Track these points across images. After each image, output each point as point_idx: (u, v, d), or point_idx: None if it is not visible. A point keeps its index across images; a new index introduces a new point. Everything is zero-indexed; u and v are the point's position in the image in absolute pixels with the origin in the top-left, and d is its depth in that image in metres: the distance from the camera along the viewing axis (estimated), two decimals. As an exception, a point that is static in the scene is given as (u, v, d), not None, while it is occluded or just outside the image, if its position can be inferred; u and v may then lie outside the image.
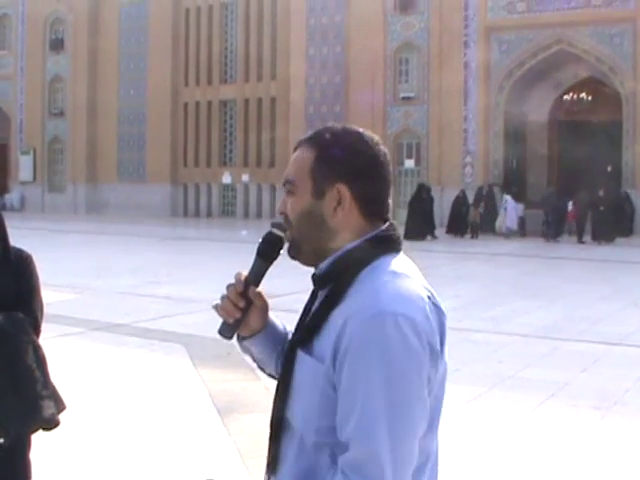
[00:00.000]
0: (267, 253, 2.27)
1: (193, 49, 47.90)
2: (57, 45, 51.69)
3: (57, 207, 50.66)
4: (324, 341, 2.07)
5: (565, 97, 40.73)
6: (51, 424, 4.14)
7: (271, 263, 2.28)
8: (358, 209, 2.16)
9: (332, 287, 2.13)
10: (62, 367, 9.49)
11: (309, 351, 2.11)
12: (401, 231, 2.29)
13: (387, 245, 2.18)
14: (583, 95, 40.17)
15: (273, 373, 2.43)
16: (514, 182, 38.55)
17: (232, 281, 2.26)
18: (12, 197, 52.85)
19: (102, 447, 7.05)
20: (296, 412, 2.14)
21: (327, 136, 2.17)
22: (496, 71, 37.72)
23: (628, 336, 12.52)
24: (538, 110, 40.83)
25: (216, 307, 2.27)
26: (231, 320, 2.27)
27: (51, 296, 14.81)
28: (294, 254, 2.22)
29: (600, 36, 35.74)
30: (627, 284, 19.24)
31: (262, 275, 2.29)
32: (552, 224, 32.41)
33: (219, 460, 6.59)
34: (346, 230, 2.16)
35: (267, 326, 2.36)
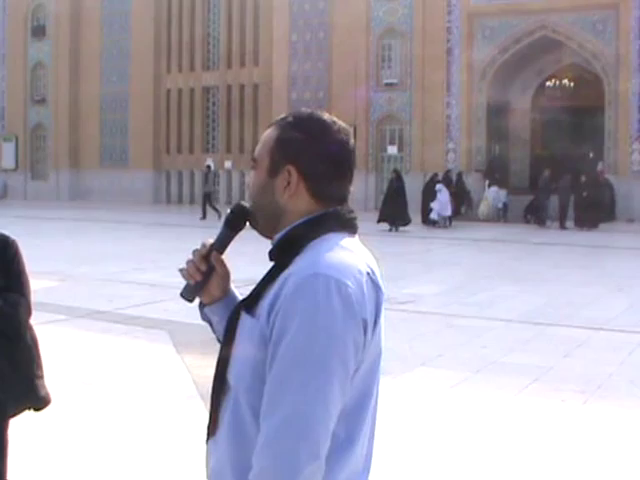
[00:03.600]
0: (233, 223, 2.39)
1: (175, 35, 47.73)
2: (39, 32, 51.42)
3: (40, 194, 50.45)
4: (265, 302, 2.17)
5: (548, 83, 40.77)
6: (43, 403, 4.14)
7: (236, 233, 2.41)
8: (307, 191, 2.25)
9: (277, 258, 2.26)
10: (45, 355, 9.46)
11: (251, 313, 2.21)
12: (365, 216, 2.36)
13: (338, 223, 2.26)
14: (566, 81, 40.21)
15: None
16: (497, 168, 38.59)
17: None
18: (-6, 184, 52.67)
19: (85, 434, 7.03)
20: (234, 370, 2.23)
21: (290, 119, 2.29)
22: (479, 57, 37.71)
23: (611, 320, 12.57)
24: (521, 96, 40.85)
25: (181, 270, 2.39)
26: (192, 282, 2.38)
27: (34, 283, 14.72)
28: (253, 224, 2.36)
29: (583, 22, 35.77)
30: (610, 269, 19.31)
31: (227, 244, 2.42)
32: (544, 209, 32.17)
33: (203, 446, 6.58)
34: (295, 209, 2.26)
35: (228, 296, 2.46)
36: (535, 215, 32.77)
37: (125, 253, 21.52)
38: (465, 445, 6.86)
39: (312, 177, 2.24)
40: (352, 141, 2.31)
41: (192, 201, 46.85)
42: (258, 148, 2.32)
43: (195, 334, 10.53)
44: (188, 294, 2.42)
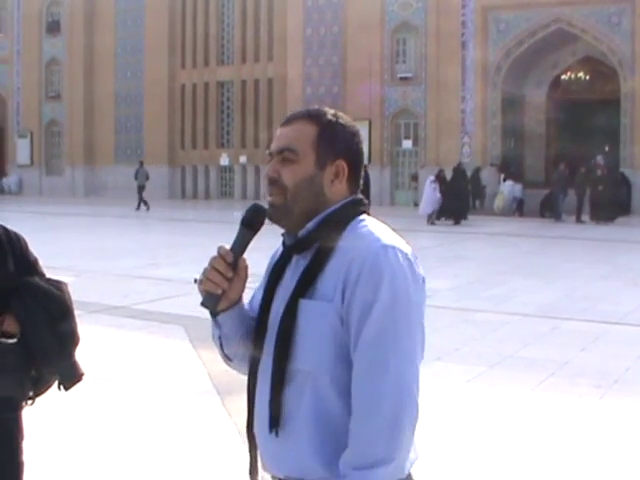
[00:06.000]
0: (253, 223, 2.41)
1: (190, 31, 47.74)
2: (53, 28, 51.53)
3: (55, 190, 50.60)
4: (327, 284, 2.31)
5: (563, 77, 40.64)
6: (77, 379, 4.19)
7: (255, 233, 2.42)
8: (348, 182, 2.47)
9: (322, 242, 2.36)
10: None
11: (312, 297, 2.33)
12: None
13: (363, 207, 2.49)
14: (581, 74, 40.08)
15: (231, 354, 2.60)
16: (512, 162, 38.53)
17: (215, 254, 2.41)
18: (10, 181, 52.79)
19: (102, 428, 7.04)
20: (307, 356, 2.33)
21: (328, 117, 2.47)
22: (494, 51, 37.60)
23: (628, 315, 12.52)
24: (536, 90, 40.75)
25: (200, 281, 2.41)
26: (219, 291, 2.38)
27: (50, 279, 14.77)
28: (279, 218, 2.43)
29: (598, 15, 35.62)
30: (626, 263, 19.25)
31: (246, 246, 2.41)
32: (560, 203, 31.95)
33: (219, 441, 6.59)
34: (336, 198, 2.45)
35: (241, 300, 2.51)
36: (551, 210, 32.60)
37: (140, 248, 21.55)
38: (481, 440, 6.84)
39: (354, 170, 2.48)
40: None
41: (207, 196, 46.93)
42: (292, 140, 2.42)
43: (210, 329, 10.53)
44: (212, 303, 2.40)
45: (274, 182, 2.41)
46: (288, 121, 2.48)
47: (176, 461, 6.30)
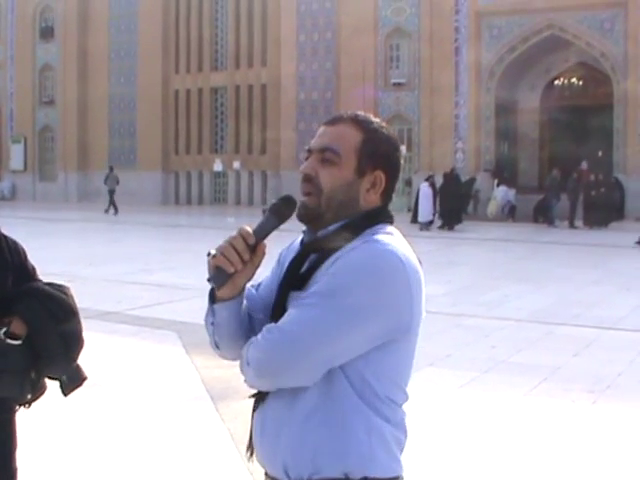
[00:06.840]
0: (281, 212, 2.38)
1: (183, 36, 47.76)
2: (47, 33, 51.53)
3: (48, 196, 50.56)
4: (317, 277, 2.34)
5: (556, 82, 40.70)
6: (81, 384, 4.22)
7: (281, 223, 2.40)
8: (382, 193, 2.48)
9: (332, 243, 2.37)
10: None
11: (306, 290, 2.34)
12: None
13: (387, 216, 2.49)
14: (574, 80, 40.14)
15: (219, 342, 2.60)
16: (505, 167, 38.56)
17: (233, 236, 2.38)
18: (3, 186, 52.73)
19: (94, 434, 7.03)
20: None
21: (375, 125, 2.48)
22: (487, 56, 37.66)
23: (620, 320, 12.54)
24: (529, 95, 40.81)
25: (214, 255, 2.35)
26: (232, 270, 2.33)
27: (43, 284, 14.72)
28: (309, 219, 2.43)
29: (591, 21, 35.71)
30: (619, 268, 19.27)
31: (269, 233, 2.37)
32: (553, 209, 31.99)
33: (212, 447, 6.58)
34: (367, 206, 2.45)
35: (243, 291, 2.47)
36: (544, 215, 32.64)
37: (133, 254, 21.52)
38: (474, 445, 6.84)
39: (390, 183, 2.50)
40: None
41: (201, 202, 46.89)
42: (335, 142, 2.41)
43: (204, 335, 10.48)
44: (220, 282, 2.35)
45: (309, 180, 2.41)
46: (334, 121, 2.48)
47: (169, 467, 6.30)
